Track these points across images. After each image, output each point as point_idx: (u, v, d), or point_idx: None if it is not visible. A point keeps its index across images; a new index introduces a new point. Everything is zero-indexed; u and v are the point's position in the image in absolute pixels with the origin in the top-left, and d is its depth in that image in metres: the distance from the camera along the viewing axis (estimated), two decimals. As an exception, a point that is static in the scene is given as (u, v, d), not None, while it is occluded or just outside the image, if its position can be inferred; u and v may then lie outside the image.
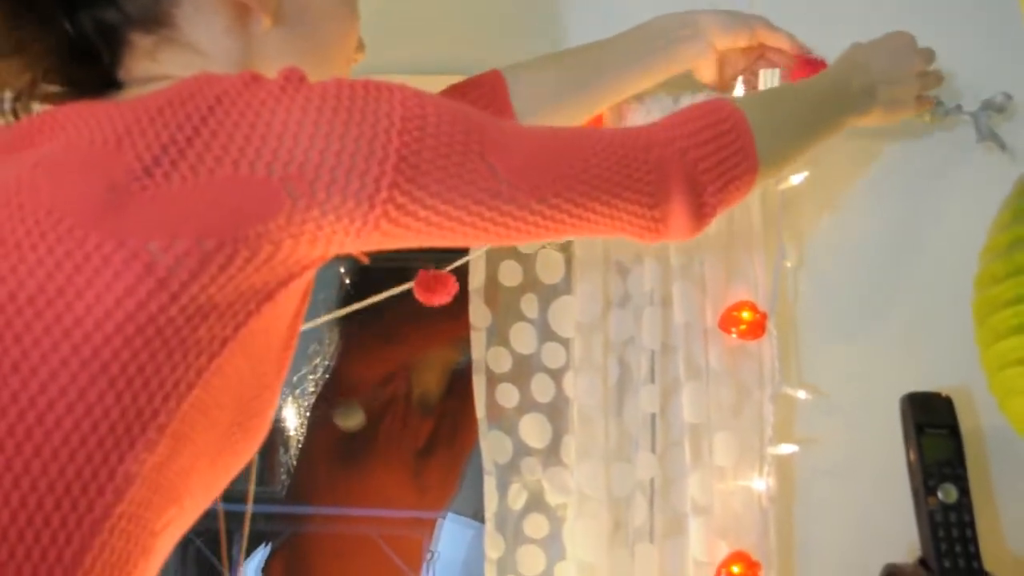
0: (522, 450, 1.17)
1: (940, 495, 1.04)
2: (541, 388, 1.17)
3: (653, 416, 1.12)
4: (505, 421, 1.18)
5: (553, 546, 1.16)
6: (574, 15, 1.07)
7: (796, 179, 1.12)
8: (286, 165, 0.64)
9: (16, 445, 0.58)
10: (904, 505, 1.06)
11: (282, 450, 1.90)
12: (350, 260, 0.78)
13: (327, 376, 1.85)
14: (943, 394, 1.09)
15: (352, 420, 1.89)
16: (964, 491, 1.04)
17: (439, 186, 0.68)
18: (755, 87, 1.09)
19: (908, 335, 1.16)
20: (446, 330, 1.69)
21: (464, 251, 1.16)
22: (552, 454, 1.17)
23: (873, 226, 1.17)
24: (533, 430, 1.17)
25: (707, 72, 1.09)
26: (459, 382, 1.79)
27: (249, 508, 0.98)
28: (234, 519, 1.00)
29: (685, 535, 1.09)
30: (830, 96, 0.98)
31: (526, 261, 1.18)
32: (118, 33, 0.76)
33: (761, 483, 1.09)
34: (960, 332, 1.10)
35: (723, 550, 1.08)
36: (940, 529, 1.03)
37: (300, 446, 1.89)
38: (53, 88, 0.78)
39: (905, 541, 1.07)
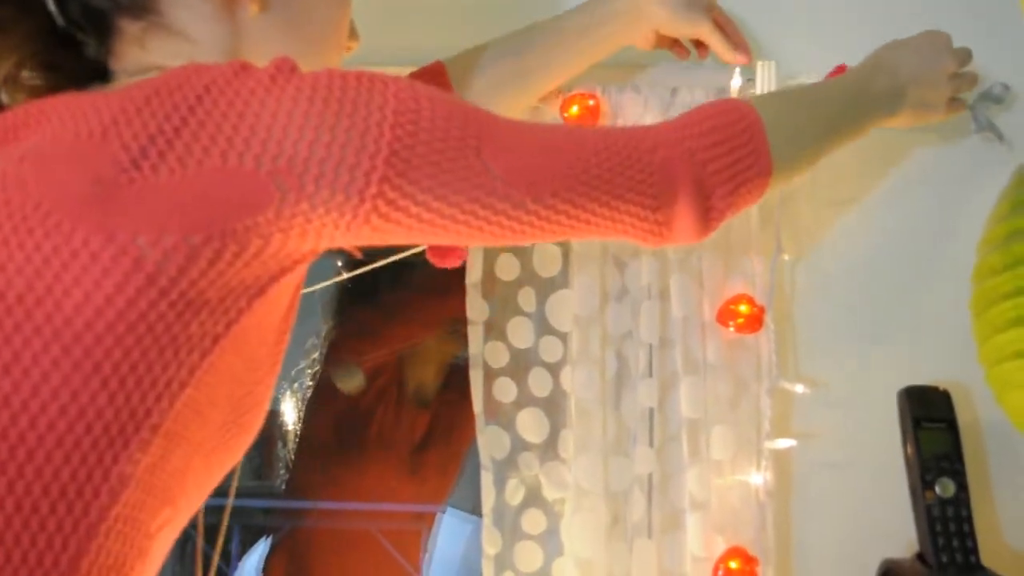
0: (519, 445, 1.16)
1: (937, 489, 1.03)
2: (539, 382, 1.16)
3: (651, 410, 1.11)
4: (502, 416, 1.17)
5: (551, 542, 1.16)
6: (572, 3, 1.06)
7: (793, 173, 1.11)
8: (275, 158, 0.63)
9: (9, 449, 0.58)
10: (901, 499, 1.06)
11: (280, 444, 1.90)
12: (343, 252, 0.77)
13: (325, 353, 1.84)
14: (941, 388, 1.09)
15: (352, 382, 1.87)
16: (961, 485, 1.04)
17: (431, 182, 0.67)
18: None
19: (905, 329, 1.15)
20: (447, 306, 1.66)
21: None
22: (550, 449, 1.16)
23: (870, 219, 1.16)
24: (530, 425, 1.16)
25: (644, 43, 1.07)
26: (456, 376, 1.79)
27: (230, 503, 0.97)
28: (220, 514, 0.99)
29: (683, 530, 1.09)
30: (852, 97, 0.95)
31: (523, 255, 1.18)
32: (107, 19, 0.75)
33: (758, 477, 1.09)
34: (958, 325, 1.10)
35: (720, 545, 1.08)
36: (937, 523, 1.03)
37: (298, 440, 1.89)
38: (39, 81, 0.77)
39: (902, 535, 1.07)
